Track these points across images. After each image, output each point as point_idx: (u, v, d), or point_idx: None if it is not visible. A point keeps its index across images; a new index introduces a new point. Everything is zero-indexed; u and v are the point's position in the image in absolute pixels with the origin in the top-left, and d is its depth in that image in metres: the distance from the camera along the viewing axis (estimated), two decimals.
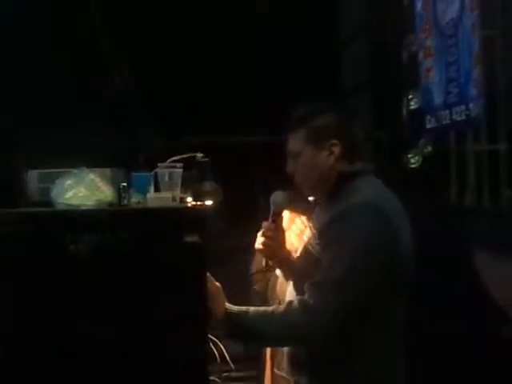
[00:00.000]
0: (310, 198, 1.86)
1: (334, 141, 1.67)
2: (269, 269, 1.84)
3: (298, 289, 1.70)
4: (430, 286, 2.63)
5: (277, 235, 1.79)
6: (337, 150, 1.67)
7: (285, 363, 1.79)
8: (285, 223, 1.97)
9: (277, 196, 1.78)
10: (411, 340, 1.68)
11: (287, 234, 1.87)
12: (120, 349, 1.55)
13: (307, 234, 1.79)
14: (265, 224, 1.78)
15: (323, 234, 1.63)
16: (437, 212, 3.30)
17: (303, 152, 1.69)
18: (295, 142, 1.71)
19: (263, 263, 1.82)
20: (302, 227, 1.98)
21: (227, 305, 1.66)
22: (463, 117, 3.00)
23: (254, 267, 2.61)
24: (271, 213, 1.78)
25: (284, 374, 1.80)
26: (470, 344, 2.69)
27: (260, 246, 1.78)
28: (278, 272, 2.37)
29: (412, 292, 1.66)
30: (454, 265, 2.91)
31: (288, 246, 1.87)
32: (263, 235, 1.78)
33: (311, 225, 1.80)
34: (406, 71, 3.69)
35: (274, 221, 1.79)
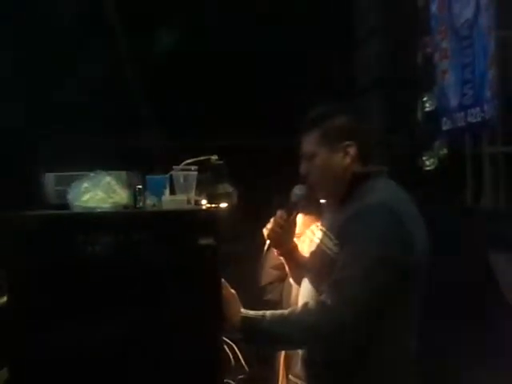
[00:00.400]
0: (322, 201, 1.86)
1: (349, 142, 1.67)
2: (268, 252, 1.86)
3: (315, 287, 1.71)
4: (444, 286, 2.62)
5: (287, 225, 1.81)
6: (352, 151, 1.67)
7: (297, 367, 1.79)
8: (299, 227, 1.98)
9: (297, 189, 1.81)
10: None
11: (301, 239, 1.88)
12: (132, 351, 1.56)
13: (318, 235, 1.79)
14: (279, 212, 1.80)
15: (340, 233, 1.63)
16: (452, 214, 3.28)
17: (318, 153, 1.69)
18: (309, 144, 1.71)
19: (265, 246, 1.83)
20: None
21: (243, 310, 1.66)
22: (478, 119, 2.98)
23: (264, 279, 2.61)
24: (289, 204, 1.81)
25: (297, 381, 1.81)
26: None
27: (267, 231, 1.81)
28: (291, 280, 2.39)
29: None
30: (469, 266, 2.89)
31: (299, 247, 1.89)
32: (274, 221, 1.80)
33: (322, 226, 1.80)
34: (421, 73, 3.67)
35: (288, 210, 1.81)
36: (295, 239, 2.04)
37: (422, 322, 1.67)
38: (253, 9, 4.53)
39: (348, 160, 1.67)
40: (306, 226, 2.25)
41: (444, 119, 3.44)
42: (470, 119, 3.08)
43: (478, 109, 2.98)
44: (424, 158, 3.50)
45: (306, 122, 1.73)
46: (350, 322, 1.53)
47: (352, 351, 1.60)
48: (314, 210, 2.20)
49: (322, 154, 1.69)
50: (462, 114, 3.17)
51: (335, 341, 1.59)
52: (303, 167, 1.73)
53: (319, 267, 1.70)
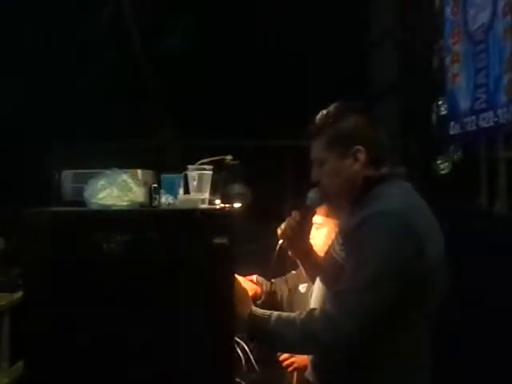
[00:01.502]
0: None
1: (359, 147, 1.62)
2: (281, 252, 1.82)
3: (325, 286, 1.71)
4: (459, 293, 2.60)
5: (301, 227, 1.79)
6: (362, 156, 1.62)
7: (307, 371, 1.79)
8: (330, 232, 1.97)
9: (312, 192, 1.77)
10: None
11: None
12: (145, 348, 1.58)
13: (331, 238, 1.79)
14: (293, 212, 1.79)
15: (347, 240, 1.60)
16: (467, 218, 3.26)
17: (327, 160, 1.65)
18: (318, 150, 1.67)
19: (278, 246, 1.81)
20: None
21: (253, 308, 1.66)
22: (491, 123, 2.95)
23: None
24: (304, 207, 1.79)
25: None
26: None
27: (280, 231, 1.79)
28: (301, 287, 2.39)
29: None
30: (483, 271, 2.87)
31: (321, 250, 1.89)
32: (288, 222, 1.79)
33: (336, 228, 1.79)
34: (436, 77, 3.65)
35: (303, 212, 1.79)
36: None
37: (440, 331, 1.65)
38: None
39: (358, 165, 1.62)
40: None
41: (452, 123, 3.41)
42: (482, 124, 3.05)
43: (491, 113, 2.95)
44: (438, 162, 3.48)
45: (313, 127, 1.69)
46: (350, 334, 1.50)
47: (356, 361, 1.58)
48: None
49: (331, 160, 1.64)
50: (474, 118, 3.14)
51: (333, 351, 1.58)
52: (314, 173, 1.70)
53: (328, 270, 1.70)
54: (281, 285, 2.49)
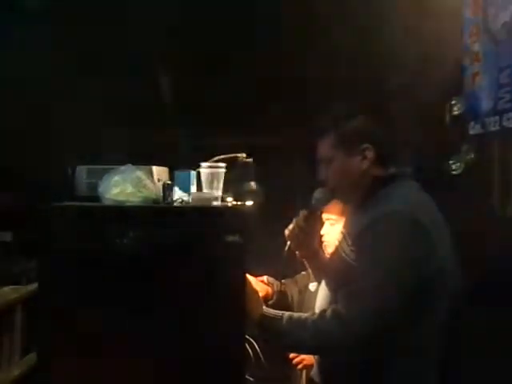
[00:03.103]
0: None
1: (367, 145, 1.62)
2: (289, 253, 1.83)
3: (331, 289, 1.70)
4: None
5: (308, 228, 1.79)
6: (370, 154, 1.62)
7: (314, 371, 1.80)
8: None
9: (317, 192, 1.77)
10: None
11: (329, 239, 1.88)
12: (155, 346, 1.59)
13: (339, 237, 1.78)
14: (301, 212, 1.79)
15: (357, 240, 1.60)
16: (477, 220, 3.24)
17: (334, 157, 1.65)
18: (326, 148, 1.67)
19: (286, 247, 1.82)
20: None
21: (264, 308, 1.67)
22: None
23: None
24: (310, 207, 1.79)
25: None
26: None
27: (287, 232, 1.80)
28: (311, 286, 2.39)
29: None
30: (494, 274, 2.86)
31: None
32: (296, 223, 1.79)
33: (344, 228, 1.78)
34: (450, 76, 3.62)
35: (309, 213, 1.79)
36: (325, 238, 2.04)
37: (451, 332, 1.64)
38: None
39: (366, 164, 1.62)
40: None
41: (472, 123, 3.38)
42: (506, 124, 3.02)
43: None
44: (451, 162, 3.46)
45: (322, 125, 1.69)
46: (362, 335, 1.51)
47: (366, 361, 1.58)
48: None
49: (339, 158, 1.64)
50: (497, 117, 3.10)
51: (346, 352, 1.58)
52: (322, 171, 1.70)
53: (336, 271, 1.69)
54: (291, 285, 2.49)
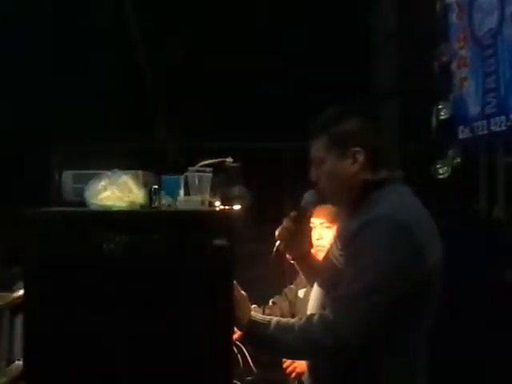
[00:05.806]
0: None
1: (358, 148, 1.62)
2: (278, 254, 1.80)
3: (323, 291, 1.71)
4: (456, 297, 2.61)
5: (297, 230, 1.79)
6: (361, 157, 1.62)
7: (305, 376, 1.80)
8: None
9: (308, 194, 1.78)
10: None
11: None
12: (142, 350, 1.58)
13: (330, 241, 1.78)
14: (292, 213, 1.79)
15: (346, 246, 1.59)
16: (465, 224, 3.26)
17: (326, 159, 1.65)
18: (318, 149, 1.67)
19: (274, 248, 1.80)
20: None
21: (252, 313, 1.66)
22: (503, 127, 2.95)
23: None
24: (300, 209, 1.79)
25: None
26: None
27: (277, 233, 1.79)
28: (300, 293, 2.39)
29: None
30: (482, 278, 2.88)
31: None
32: (286, 223, 1.79)
33: (335, 233, 1.77)
34: (436, 81, 3.66)
35: (298, 214, 1.79)
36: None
37: (435, 334, 1.65)
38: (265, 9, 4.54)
39: (356, 167, 1.62)
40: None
41: (461, 127, 3.41)
42: (494, 128, 3.05)
43: (502, 117, 2.95)
44: (437, 166, 3.49)
45: (315, 126, 1.69)
46: (349, 339, 1.50)
47: (355, 366, 1.57)
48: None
49: (330, 160, 1.64)
50: (485, 122, 3.14)
51: (333, 356, 1.57)
52: (313, 173, 1.69)
53: (326, 275, 1.69)
54: (281, 303, 2.50)
